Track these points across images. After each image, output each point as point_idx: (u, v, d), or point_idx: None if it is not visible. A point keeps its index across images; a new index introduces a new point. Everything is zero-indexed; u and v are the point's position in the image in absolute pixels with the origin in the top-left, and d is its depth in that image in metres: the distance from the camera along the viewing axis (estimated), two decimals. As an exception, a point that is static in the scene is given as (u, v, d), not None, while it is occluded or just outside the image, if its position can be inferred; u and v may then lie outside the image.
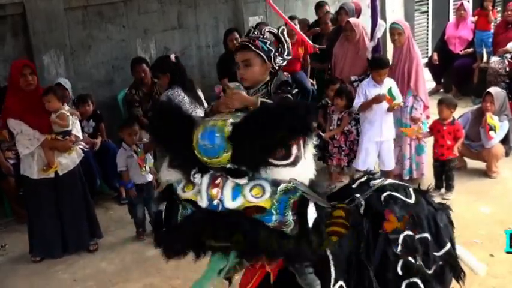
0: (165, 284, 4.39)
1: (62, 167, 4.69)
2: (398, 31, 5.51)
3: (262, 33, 3.07)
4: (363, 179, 3.25)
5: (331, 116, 5.71)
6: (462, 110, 6.79)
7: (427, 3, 10.16)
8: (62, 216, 4.79)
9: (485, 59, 8.62)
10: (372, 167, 5.27)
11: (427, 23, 10.23)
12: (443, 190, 5.51)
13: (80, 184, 4.86)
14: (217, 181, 2.43)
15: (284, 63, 3.08)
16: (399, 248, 2.93)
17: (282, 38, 3.06)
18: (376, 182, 3.17)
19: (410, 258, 2.95)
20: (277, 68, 3.03)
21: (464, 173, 6.01)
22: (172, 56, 5.06)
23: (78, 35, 6.41)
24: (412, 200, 3.08)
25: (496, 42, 8.45)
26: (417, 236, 2.99)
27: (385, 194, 3.06)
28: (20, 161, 4.75)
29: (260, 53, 2.96)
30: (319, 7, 7.76)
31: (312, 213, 2.48)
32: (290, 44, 3.11)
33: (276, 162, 2.42)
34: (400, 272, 2.94)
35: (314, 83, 7.42)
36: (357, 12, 6.87)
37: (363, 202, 3.02)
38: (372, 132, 5.46)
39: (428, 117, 5.74)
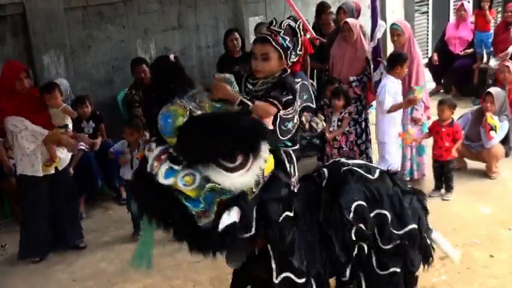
0: (164, 284, 4.39)
1: (61, 162, 4.77)
2: (398, 32, 5.52)
3: (283, 26, 3.08)
4: (337, 159, 3.52)
5: (330, 117, 5.70)
6: (462, 111, 6.80)
7: (427, 4, 10.15)
8: (56, 213, 4.84)
9: (485, 59, 8.62)
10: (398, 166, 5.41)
11: (427, 23, 10.22)
12: (443, 191, 5.51)
13: (72, 182, 5.00)
14: (162, 156, 2.72)
15: (296, 59, 3.11)
16: (351, 215, 3.11)
17: (299, 32, 3.09)
18: (348, 162, 3.37)
19: (361, 225, 3.14)
20: (290, 64, 3.08)
21: (464, 174, 6.01)
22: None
23: (78, 35, 6.41)
24: (373, 176, 3.23)
25: (496, 43, 8.45)
26: (374, 211, 3.15)
27: (345, 168, 3.26)
28: (18, 161, 4.75)
29: (279, 49, 2.99)
30: (322, 10, 7.68)
31: (228, 219, 2.66)
32: (303, 39, 3.15)
33: (213, 163, 2.64)
34: (353, 237, 3.15)
35: (314, 83, 7.41)
36: (357, 12, 6.86)
37: (326, 174, 3.26)
38: (395, 131, 5.48)
39: (429, 117, 5.74)
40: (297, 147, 3.12)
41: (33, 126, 4.54)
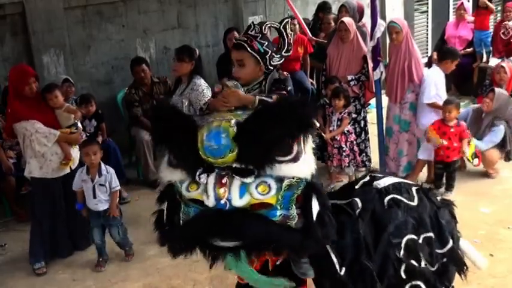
0: (164, 283, 4.39)
1: (74, 161, 4.78)
2: (396, 29, 5.53)
3: (263, 29, 3.02)
4: (366, 179, 3.26)
5: (330, 116, 5.70)
6: (461, 110, 6.79)
7: (427, 3, 10.16)
8: (71, 213, 4.81)
9: (484, 58, 8.62)
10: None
11: (427, 22, 10.22)
12: (442, 190, 5.51)
13: None
14: (224, 180, 2.48)
15: (281, 61, 3.04)
16: (402, 252, 2.95)
17: (284, 32, 3.03)
18: (380, 183, 3.18)
19: (413, 262, 2.97)
20: (271, 68, 2.99)
21: (464, 173, 6.01)
22: (197, 51, 5.15)
23: (77, 34, 6.40)
24: (415, 202, 3.10)
25: (495, 43, 8.46)
26: (422, 236, 3.01)
27: (388, 197, 3.08)
28: (25, 163, 4.76)
29: (255, 54, 2.94)
30: (323, 9, 7.70)
31: (315, 206, 2.56)
32: (291, 39, 3.07)
33: (279, 158, 2.48)
34: (403, 276, 2.96)
35: (314, 82, 7.42)
36: (359, 13, 6.85)
37: (360, 205, 3.04)
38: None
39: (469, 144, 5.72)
40: None
41: (44, 128, 4.55)
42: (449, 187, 5.49)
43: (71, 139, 4.72)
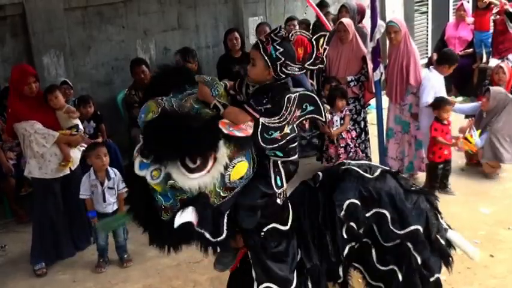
0: (164, 284, 4.39)
1: (74, 162, 4.78)
2: (395, 29, 5.54)
3: (290, 36, 2.93)
4: (343, 162, 3.49)
5: (331, 117, 5.68)
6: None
7: (427, 4, 10.16)
8: (71, 213, 4.82)
9: (484, 59, 8.62)
10: None
11: (427, 23, 10.23)
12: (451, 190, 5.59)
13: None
14: (136, 152, 2.81)
15: (301, 72, 2.98)
16: (342, 212, 3.11)
17: (315, 45, 2.95)
18: (351, 162, 3.38)
19: (352, 224, 3.12)
20: (283, 76, 2.91)
21: (464, 173, 6.03)
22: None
23: (78, 35, 6.40)
24: (371, 176, 3.21)
25: (495, 43, 8.46)
26: (372, 210, 3.13)
27: (344, 167, 3.28)
28: (25, 163, 4.76)
29: (265, 57, 2.88)
30: (319, 7, 7.74)
31: (182, 218, 2.68)
32: (320, 54, 2.97)
33: (175, 161, 2.67)
34: (344, 235, 3.14)
35: (314, 83, 7.42)
36: (360, 14, 6.85)
37: (321, 177, 3.30)
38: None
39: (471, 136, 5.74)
40: (291, 159, 2.98)
41: (43, 129, 4.55)
42: (445, 186, 5.50)
43: (70, 140, 4.72)
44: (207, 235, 2.77)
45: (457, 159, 6.14)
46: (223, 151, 2.70)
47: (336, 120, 5.70)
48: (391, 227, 3.14)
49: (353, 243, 3.18)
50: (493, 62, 8.07)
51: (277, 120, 2.80)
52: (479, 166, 6.02)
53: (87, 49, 6.52)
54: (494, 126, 5.82)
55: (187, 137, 2.59)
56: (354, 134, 5.79)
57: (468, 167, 6.19)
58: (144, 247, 4.88)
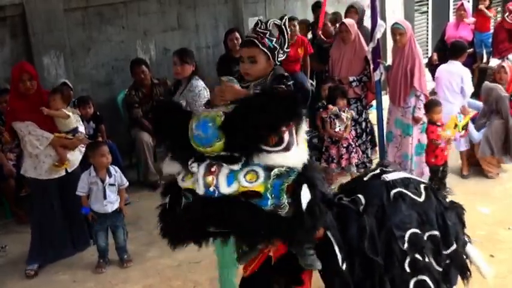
0: (164, 284, 4.39)
1: (71, 164, 4.75)
2: (400, 31, 5.50)
3: (268, 26, 3.04)
4: (376, 172, 3.29)
5: (332, 118, 5.66)
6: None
7: (427, 4, 10.17)
8: (70, 214, 4.82)
9: (485, 59, 8.62)
10: None
11: (427, 23, 10.23)
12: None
13: None
14: (213, 169, 2.53)
15: (284, 57, 3.08)
16: (405, 245, 2.95)
17: (285, 29, 3.06)
18: (388, 176, 3.20)
19: (417, 255, 2.97)
20: (278, 63, 3.05)
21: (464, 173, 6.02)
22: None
23: (78, 36, 6.41)
24: (422, 198, 3.11)
25: (496, 43, 8.46)
26: (426, 234, 3.02)
27: (395, 191, 3.10)
28: (22, 162, 4.77)
29: (266, 50, 2.97)
30: (316, 7, 7.77)
31: (305, 196, 2.58)
32: (289, 36, 3.12)
33: (268, 148, 2.53)
34: (407, 269, 2.96)
35: (313, 83, 7.43)
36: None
37: (363, 201, 3.06)
38: None
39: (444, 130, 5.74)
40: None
41: (38, 131, 4.53)
42: (444, 186, 5.50)
43: (65, 144, 4.68)
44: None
45: (457, 159, 6.14)
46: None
47: (340, 120, 5.69)
48: (441, 249, 3.05)
49: (421, 277, 2.98)
50: (494, 62, 8.09)
51: None
52: (479, 166, 6.02)
53: (87, 50, 6.53)
54: (490, 121, 5.87)
55: (280, 107, 2.47)
56: (354, 133, 5.79)
57: (467, 167, 6.18)
58: (144, 247, 4.90)
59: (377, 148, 6.12)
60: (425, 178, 5.53)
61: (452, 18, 9.87)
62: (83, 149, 4.90)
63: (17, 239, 5.22)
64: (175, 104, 2.97)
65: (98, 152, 4.61)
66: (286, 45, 3.07)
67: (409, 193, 3.09)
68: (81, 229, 4.93)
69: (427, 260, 2.99)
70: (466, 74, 6.18)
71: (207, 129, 2.54)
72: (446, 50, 8.59)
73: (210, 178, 2.51)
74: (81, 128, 4.93)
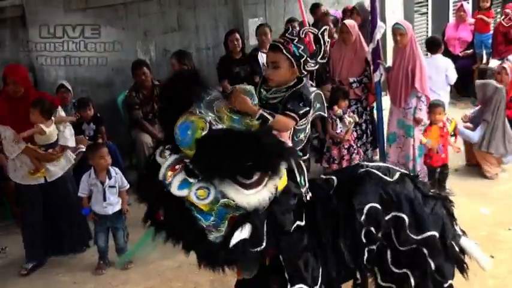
0: (165, 286, 4.40)
1: (50, 174, 4.66)
2: (401, 32, 5.49)
3: (301, 33, 3.02)
4: (361, 163, 3.41)
5: (333, 119, 5.65)
6: (462, 111, 6.84)
7: (427, 5, 10.16)
8: (55, 220, 4.81)
9: (484, 60, 8.62)
10: None
11: (427, 24, 10.23)
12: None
13: (71, 190, 4.84)
14: (177, 166, 2.66)
15: (316, 67, 3.05)
16: (363, 217, 3.05)
17: (321, 39, 3.02)
18: (369, 164, 3.29)
19: (372, 228, 3.07)
20: (305, 73, 3.02)
21: (464, 174, 6.03)
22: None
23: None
24: (392, 179, 3.15)
25: (495, 44, 8.46)
26: (391, 213, 3.07)
27: (363, 169, 3.19)
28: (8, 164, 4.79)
29: (290, 57, 2.94)
30: (315, 8, 7.79)
31: (239, 236, 2.61)
32: (328, 47, 3.06)
33: (229, 179, 2.57)
34: (363, 240, 3.08)
35: (313, 84, 7.42)
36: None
37: (336, 182, 3.19)
38: None
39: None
40: (306, 157, 3.05)
41: (12, 138, 4.47)
42: (444, 188, 5.50)
43: (38, 155, 4.57)
44: (250, 246, 2.70)
45: (457, 159, 6.15)
46: (283, 167, 2.69)
47: (340, 121, 5.70)
48: (408, 232, 3.09)
49: (371, 247, 3.13)
50: (493, 63, 8.09)
51: (304, 122, 2.93)
52: (479, 166, 6.02)
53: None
54: (485, 117, 5.90)
55: (258, 155, 2.52)
56: (355, 134, 5.79)
57: (467, 167, 6.19)
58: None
59: (377, 149, 6.11)
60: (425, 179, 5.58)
61: (452, 19, 9.87)
62: (73, 159, 4.86)
63: (18, 240, 5.20)
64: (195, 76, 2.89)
65: (97, 154, 4.61)
66: (321, 55, 3.03)
67: (378, 172, 3.16)
68: (76, 232, 4.91)
69: (379, 235, 3.09)
70: (450, 63, 6.52)
71: (185, 135, 2.63)
72: (446, 51, 8.65)
73: (169, 173, 2.63)
74: (63, 141, 4.72)
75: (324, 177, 3.33)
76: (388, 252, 3.16)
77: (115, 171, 4.68)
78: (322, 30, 3.04)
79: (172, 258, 4.58)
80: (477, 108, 6.40)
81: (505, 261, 4.27)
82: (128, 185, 4.70)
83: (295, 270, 2.98)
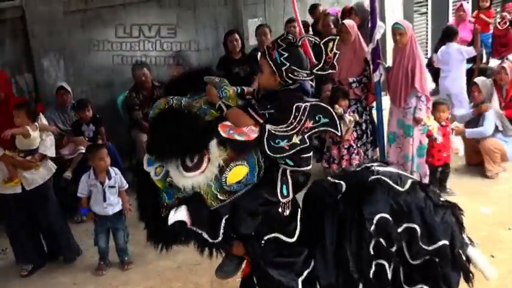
0: (164, 286, 4.40)
1: (28, 182, 4.52)
2: (400, 31, 5.48)
3: (298, 41, 2.92)
4: (369, 164, 3.32)
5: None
6: (462, 111, 6.81)
7: (426, 5, 10.17)
8: (39, 228, 4.77)
9: (484, 59, 8.61)
10: None
11: (426, 24, 10.23)
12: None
13: (52, 199, 4.75)
14: None
15: (308, 78, 2.96)
16: (372, 227, 2.98)
17: (324, 49, 2.90)
18: (379, 169, 3.21)
19: (381, 240, 2.99)
20: (289, 82, 2.90)
21: (464, 174, 6.04)
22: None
23: (77, 38, 6.40)
24: (403, 188, 3.08)
25: (494, 44, 8.46)
26: (403, 225, 3.02)
27: (374, 177, 3.11)
28: None
29: (271, 63, 2.88)
30: (313, 8, 7.80)
31: (175, 216, 2.74)
32: (330, 58, 2.92)
33: (175, 159, 2.74)
34: (371, 252, 3.00)
35: (313, 84, 7.42)
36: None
37: (344, 188, 3.15)
38: None
39: (429, 118, 5.74)
40: (302, 169, 2.92)
41: None
42: (444, 188, 5.51)
43: (15, 163, 4.42)
44: (205, 235, 2.80)
45: (457, 159, 6.14)
46: (216, 153, 2.73)
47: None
48: (420, 243, 3.03)
49: (380, 261, 3.04)
50: (493, 63, 8.09)
51: (284, 129, 2.78)
52: (479, 166, 6.02)
53: (87, 52, 6.52)
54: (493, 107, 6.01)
55: (180, 135, 2.65)
56: (355, 135, 5.80)
57: (468, 167, 6.19)
58: (145, 249, 4.88)
59: (377, 149, 6.11)
60: (426, 180, 5.57)
61: (451, 19, 9.87)
62: (53, 168, 4.72)
63: (18, 242, 5.22)
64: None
65: (96, 155, 4.61)
66: (320, 66, 2.91)
67: (389, 181, 3.09)
68: (52, 246, 4.86)
69: (393, 249, 3.01)
70: (464, 47, 7.64)
71: (150, 113, 2.93)
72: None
73: (146, 156, 2.89)
74: (43, 149, 4.56)
75: (331, 180, 3.28)
76: (401, 270, 3.09)
77: (114, 172, 4.68)
78: (327, 39, 2.91)
79: (172, 258, 4.58)
80: (466, 113, 6.40)
81: (505, 261, 4.26)
82: (127, 185, 4.70)
83: (262, 277, 3.01)
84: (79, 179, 4.72)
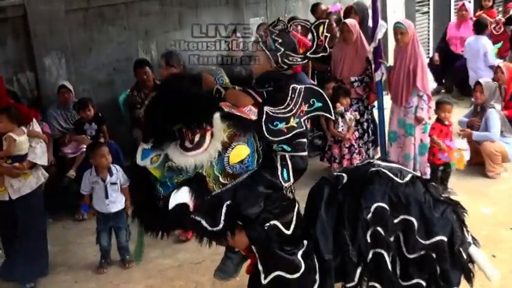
0: (166, 285, 4.40)
1: (14, 190, 4.31)
2: (401, 30, 5.48)
3: (289, 26, 3.00)
4: (372, 160, 3.39)
5: (337, 117, 5.65)
6: (463, 111, 6.83)
7: (428, 4, 10.17)
8: (19, 239, 4.46)
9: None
10: None
11: (428, 23, 10.23)
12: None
13: (37, 210, 4.53)
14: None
15: (303, 62, 3.03)
16: (369, 215, 3.00)
17: (315, 33, 2.98)
18: (381, 163, 3.24)
19: (379, 229, 3.01)
20: (285, 67, 3.00)
21: (465, 173, 6.02)
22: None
23: (79, 37, 6.41)
24: (402, 180, 3.09)
25: (496, 43, 8.45)
26: (400, 217, 3.03)
27: (374, 169, 3.14)
28: None
29: (266, 50, 2.95)
30: (315, 7, 7.79)
31: (176, 198, 2.67)
32: (322, 42, 2.99)
33: (171, 143, 2.73)
34: (368, 240, 3.02)
35: (314, 83, 7.43)
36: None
37: (345, 179, 3.18)
38: None
39: (430, 118, 5.74)
40: (299, 154, 2.90)
41: None
42: (446, 187, 5.50)
43: (2, 170, 4.22)
44: (203, 223, 2.71)
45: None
46: (219, 126, 2.71)
47: (342, 120, 5.69)
48: (417, 236, 3.03)
49: (378, 250, 3.05)
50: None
51: (282, 110, 2.82)
52: (480, 166, 6.02)
53: (89, 50, 6.53)
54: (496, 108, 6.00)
55: (185, 104, 2.61)
56: (356, 134, 5.80)
57: (469, 167, 6.18)
58: (147, 248, 4.88)
59: (378, 149, 6.11)
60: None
61: (453, 18, 9.87)
62: (44, 177, 4.52)
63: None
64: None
65: (97, 153, 4.62)
66: (312, 49, 2.98)
67: (389, 173, 3.10)
68: (24, 260, 4.45)
69: (391, 239, 3.03)
70: (489, 46, 7.87)
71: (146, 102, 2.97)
72: (447, 51, 8.66)
73: (139, 148, 2.88)
74: (32, 157, 4.34)
75: (335, 174, 3.34)
76: (397, 263, 3.09)
77: (116, 169, 4.69)
78: (315, 22, 3.00)
79: (173, 257, 4.60)
80: (463, 120, 6.40)
81: (506, 261, 4.27)
82: (129, 181, 4.70)
83: (271, 259, 2.97)
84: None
